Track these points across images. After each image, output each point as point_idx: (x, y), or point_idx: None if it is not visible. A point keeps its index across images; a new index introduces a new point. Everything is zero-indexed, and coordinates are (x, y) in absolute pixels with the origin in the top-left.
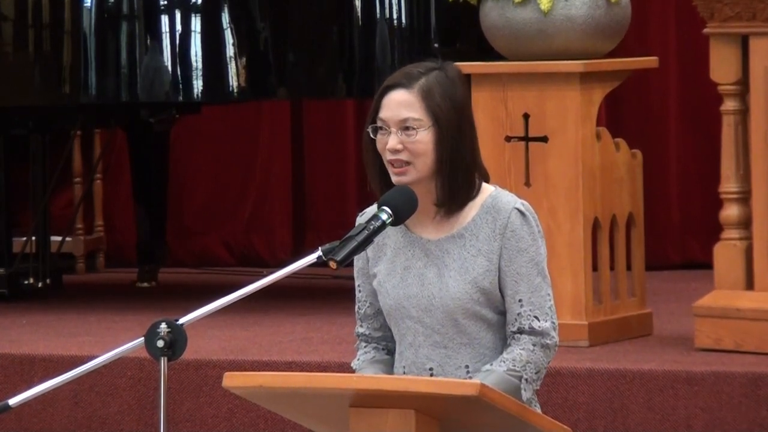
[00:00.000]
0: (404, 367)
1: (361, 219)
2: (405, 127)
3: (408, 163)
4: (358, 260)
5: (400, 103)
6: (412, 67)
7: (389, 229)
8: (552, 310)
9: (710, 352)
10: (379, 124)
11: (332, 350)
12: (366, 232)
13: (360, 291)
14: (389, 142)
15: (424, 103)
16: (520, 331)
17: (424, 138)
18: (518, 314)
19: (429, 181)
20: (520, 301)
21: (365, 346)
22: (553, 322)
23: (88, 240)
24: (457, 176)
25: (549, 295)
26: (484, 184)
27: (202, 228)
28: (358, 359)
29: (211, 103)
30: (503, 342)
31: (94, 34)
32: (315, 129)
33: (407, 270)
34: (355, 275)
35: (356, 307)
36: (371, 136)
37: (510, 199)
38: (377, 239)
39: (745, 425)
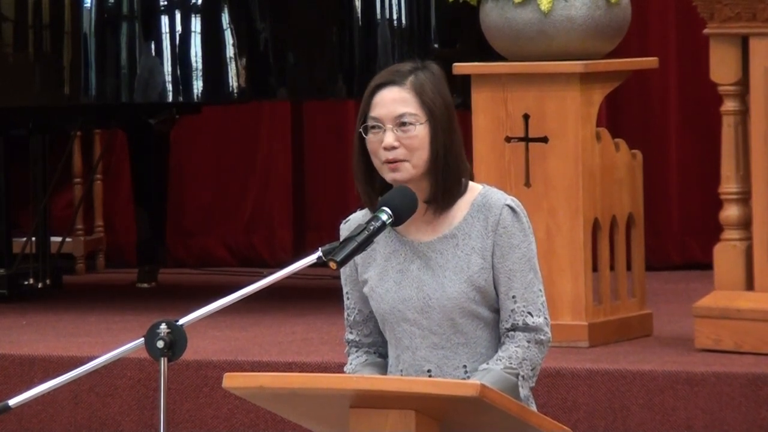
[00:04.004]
0: (401, 370)
1: (344, 226)
2: (401, 122)
3: (404, 160)
4: (346, 268)
5: (395, 100)
6: (397, 66)
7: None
8: (544, 306)
9: (710, 352)
10: (371, 123)
11: (332, 351)
12: (366, 233)
13: (348, 298)
14: (385, 139)
15: (418, 99)
16: (514, 328)
17: (420, 133)
18: (512, 310)
19: (421, 179)
20: (513, 297)
21: (356, 351)
22: (546, 318)
23: (88, 240)
24: (450, 172)
25: (541, 291)
26: (471, 183)
27: (202, 228)
28: (351, 364)
29: (211, 104)
30: (498, 340)
31: (94, 34)
32: (315, 129)
33: (401, 273)
34: (343, 283)
35: (345, 314)
36: (364, 135)
37: (500, 196)
38: None
39: (745, 426)
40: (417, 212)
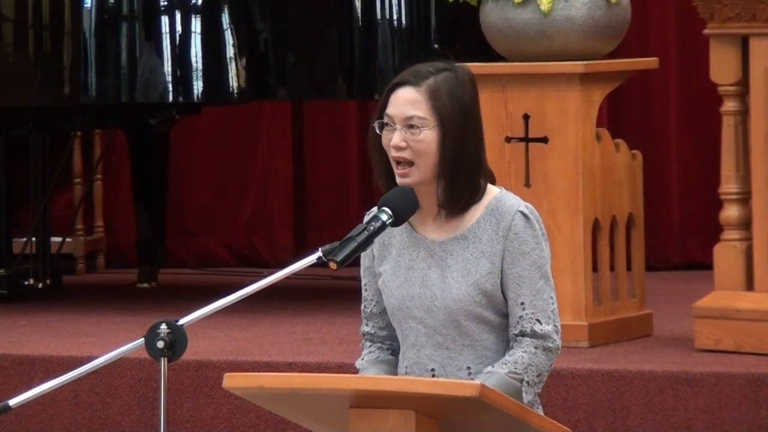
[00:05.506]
0: (406, 367)
1: (368, 217)
2: (409, 125)
3: (411, 164)
4: (365, 259)
5: (407, 101)
6: (423, 65)
7: (395, 229)
8: (555, 314)
9: (710, 352)
10: (385, 120)
11: (332, 351)
12: (366, 233)
13: (366, 290)
14: (393, 139)
15: (430, 103)
16: (522, 334)
17: (428, 137)
18: (520, 317)
19: (433, 182)
20: (522, 304)
21: (370, 346)
22: (556, 326)
23: (88, 241)
24: (460, 178)
25: (552, 298)
26: (490, 186)
27: (202, 228)
28: (362, 359)
29: (211, 104)
30: (506, 344)
31: (94, 34)
32: (316, 128)
33: (411, 270)
34: (362, 274)
35: (362, 305)
36: (377, 131)
37: (514, 202)
38: (383, 238)
39: (745, 426)
40: (431, 212)
